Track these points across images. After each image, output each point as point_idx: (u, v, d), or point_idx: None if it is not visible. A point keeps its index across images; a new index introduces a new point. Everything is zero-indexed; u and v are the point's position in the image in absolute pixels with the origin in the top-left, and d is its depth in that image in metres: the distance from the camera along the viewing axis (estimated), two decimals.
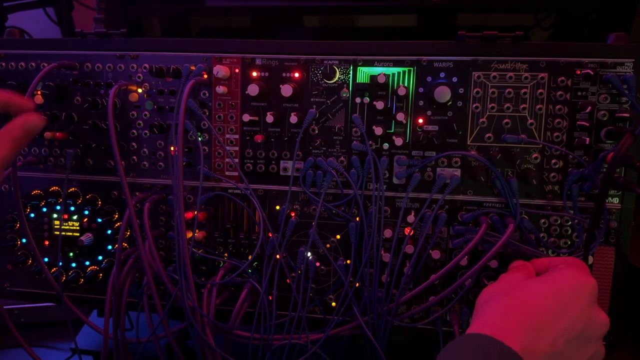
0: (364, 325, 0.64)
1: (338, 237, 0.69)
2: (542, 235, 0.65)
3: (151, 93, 0.70)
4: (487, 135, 0.65)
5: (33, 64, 0.72)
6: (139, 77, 0.70)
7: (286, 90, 0.65)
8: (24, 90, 0.68)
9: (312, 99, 0.67)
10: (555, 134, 0.64)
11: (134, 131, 0.71)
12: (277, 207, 0.70)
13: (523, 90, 0.63)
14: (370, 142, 0.66)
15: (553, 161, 0.64)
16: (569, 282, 0.49)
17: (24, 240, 0.76)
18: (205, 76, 0.68)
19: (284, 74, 0.67)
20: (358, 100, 0.66)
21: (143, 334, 0.71)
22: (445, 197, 0.65)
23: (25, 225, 0.71)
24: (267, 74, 0.68)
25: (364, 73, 0.66)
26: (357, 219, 0.67)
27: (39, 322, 1.07)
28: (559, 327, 0.45)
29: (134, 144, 0.72)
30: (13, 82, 0.70)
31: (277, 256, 0.68)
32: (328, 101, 0.67)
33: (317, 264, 0.70)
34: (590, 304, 0.48)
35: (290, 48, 0.67)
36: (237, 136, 0.70)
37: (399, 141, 0.64)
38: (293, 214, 0.69)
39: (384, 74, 0.63)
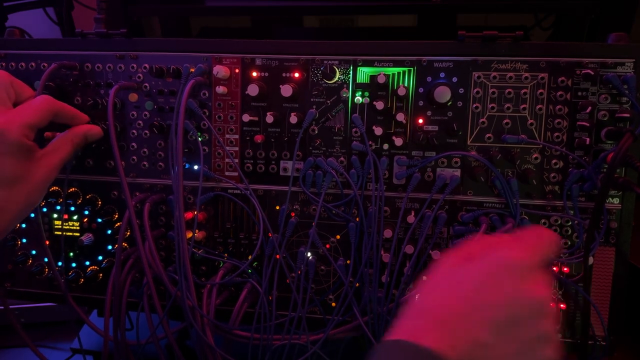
0: (364, 325, 0.64)
1: (338, 237, 0.69)
2: None
3: (151, 93, 0.70)
4: (487, 135, 0.65)
5: (33, 64, 0.72)
6: (139, 77, 0.70)
7: (286, 90, 0.65)
8: None
9: (312, 99, 0.67)
10: (556, 134, 0.64)
11: (134, 131, 0.71)
12: (277, 207, 0.70)
13: (523, 91, 0.63)
14: (370, 142, 0.66)
15: (553, 161, 0.64)
16: (489, 266, 0.44)
17: (24, 240, 0.76)
18: (205, 76, 0.68)
19: (284, 74, 0.67)
20: (358, 100, 0.66)
21: (143, 334, 0.71)
22: (445, 197, 0.65)
23: (40, 227, 0.72)
24: (267, 74, 0.68)
25: (364, 73, 0.66)
26: (357, 219, 0.67)
27: (38, 322, 1.07)
28: (478, 317, 0.41)
29: (134, 144, 0.72)
30: None
31: (277, 256, 0.68)
32: (328, 101, 0.67)
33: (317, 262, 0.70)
34: (514, 284, 0.43)
35: (290, 48, 0.67)
36: (237, 136, 0.70)
37: (398, 141, 0.64)
38: (293, 214, 0.69)
39: (384, 74, 0.63)
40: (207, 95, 0.69)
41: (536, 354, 0.42)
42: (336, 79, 0.67)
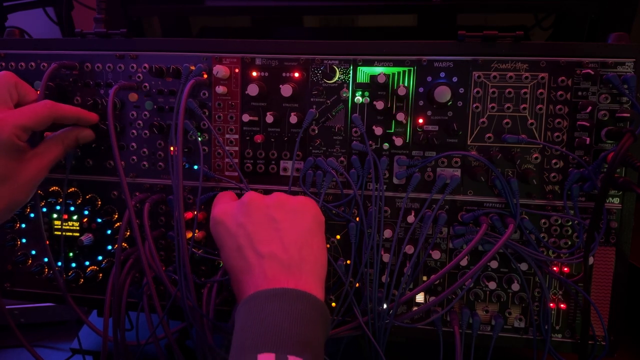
0: (364, 325, 0.64)
1: (338, 237, 0.69)
2: (542, 235, 0.65)
3: (151, 93, 0.70)
4: (487, 135, 0.65)
5: (33, 64, 0.72)
6: (138, 77, 0.70)
7: (286, 90, 0.65)
8: None
9: (312, 99, 0.67)
10: (556, 134, 0.64)
11: (134, 131, 0.71)
12: None
13: (523, 90, 0.63)
14: (370, 142, 0.66)
15: (553, 161, 0.64)
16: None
17: (24, 240, 0.76)
18: (205, 76, 0.68)
19: (283, 74, 0.67)
20: (358, 100, 0.66)
21: (143, 334, 0.71)
22: (445, 197, 0.65)
23: (41, 226, 0.72)
24: (267, 74, 0.68)
25: (364, 73, 0.66)
26: (357, 219, 0.66)
27: (38, 322, 1.06)
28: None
29: (133, 144, 0.72)
30: None
31: None
32: (328, 101, 0.67)
33: None
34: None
35: (290, 48, 0.67)
36: (237, 136, 0.70)
37: (399, 141, 0.64)
38: None
39: (384, 74, 0.63)
40: (207, 95, 0.69)
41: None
42: (336, 78, 0.66)
